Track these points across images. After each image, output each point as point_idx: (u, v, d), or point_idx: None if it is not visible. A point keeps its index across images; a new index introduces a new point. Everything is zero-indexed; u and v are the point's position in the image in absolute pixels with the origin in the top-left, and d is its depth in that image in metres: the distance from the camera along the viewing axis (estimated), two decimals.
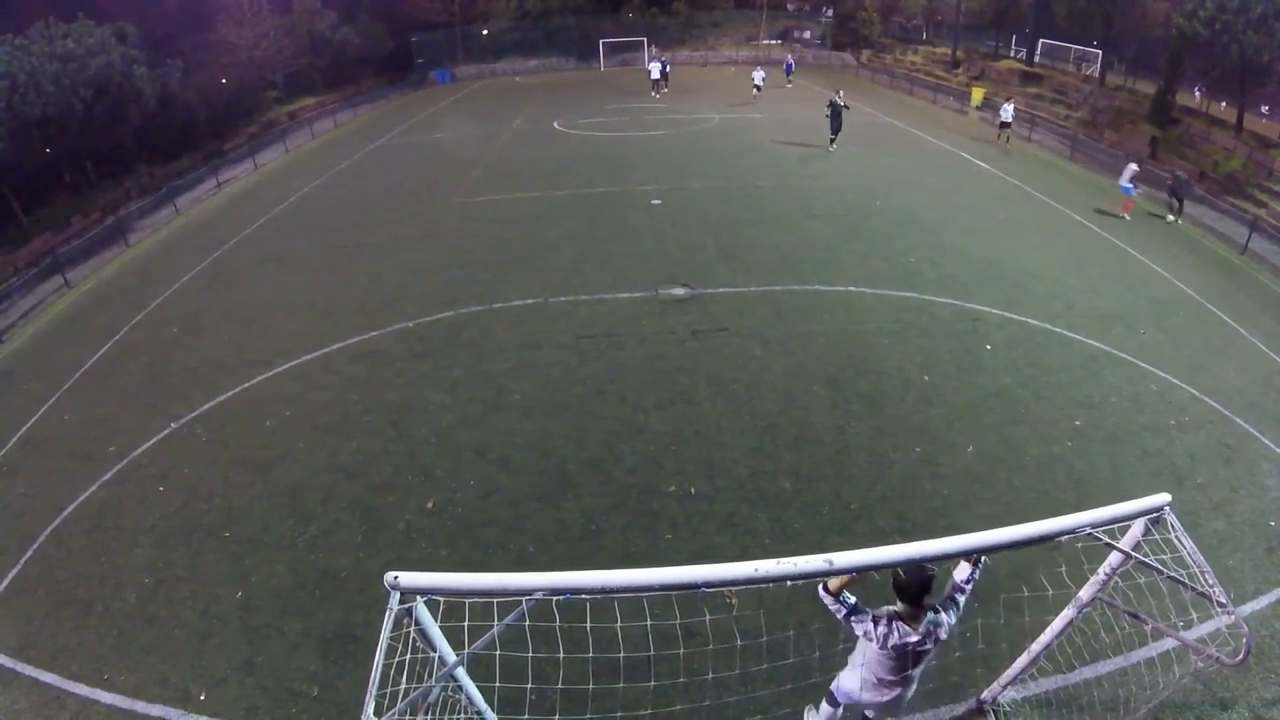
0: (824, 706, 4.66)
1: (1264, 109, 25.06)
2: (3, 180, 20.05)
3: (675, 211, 15.74)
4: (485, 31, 45.42)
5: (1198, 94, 27.72)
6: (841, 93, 20.88)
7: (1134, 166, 16.51)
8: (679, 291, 11.81)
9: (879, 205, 16.08)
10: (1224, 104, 25.07)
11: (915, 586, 3.62)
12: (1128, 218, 15.95)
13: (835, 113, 20.39)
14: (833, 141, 20.80)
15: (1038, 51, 34.69)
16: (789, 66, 34.91)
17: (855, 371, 9.51)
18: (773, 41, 46.29)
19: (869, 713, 4.35)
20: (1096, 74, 30.67)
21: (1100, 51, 30.70)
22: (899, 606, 3.75)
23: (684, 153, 21.21)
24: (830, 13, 47.21)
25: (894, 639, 3.71)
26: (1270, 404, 9.08)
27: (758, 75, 30.00)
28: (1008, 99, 25.09)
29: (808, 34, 47.46)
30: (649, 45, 43.52)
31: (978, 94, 30.12)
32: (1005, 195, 17.33)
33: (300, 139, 28.43)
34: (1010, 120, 23.20)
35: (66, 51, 21.08)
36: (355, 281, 13.01)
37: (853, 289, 11.80)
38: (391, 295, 12.24)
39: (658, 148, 22.08)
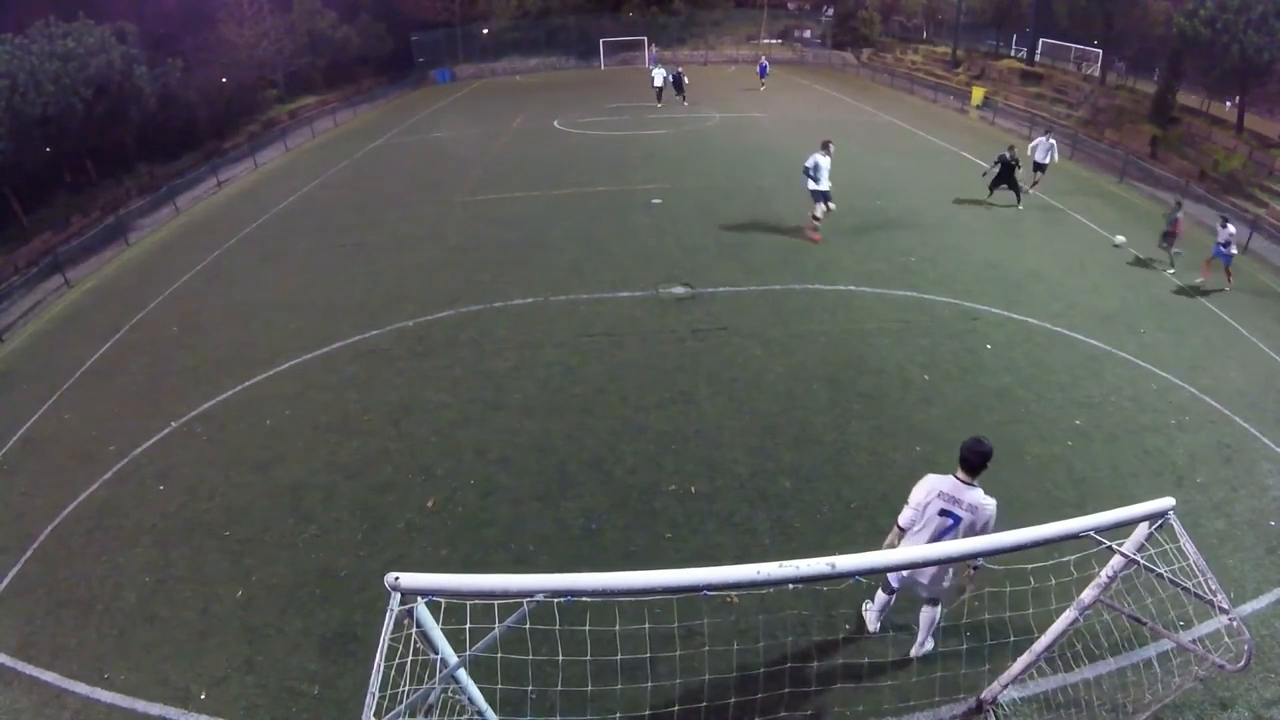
0: (879, 595, 5.42)
1: None
2: (3, 179, 20.03)
3: (676, 211, 15.74)
4: (485, 31, 45.42)
5: (1118, 72, 27.39)
6: (1014, 149, 16.24)
7: (1232, 230, 12.44)
8: (679, 291, 11.81)
9: (879, 204, 16.08)
10: (1228, 105, 24.90)
11: (975, 456, 4.49)
12: (1226, 288, 12.52)
13: (1006, 167, 15.92)
14: (1019, 199, 16.25)
15: (1038, 51, 34.66)
16: (763, 68, 33.56)
17: (855, 371, 9.50)
18: (773, 41, 46.28)
19: (918, 589, 5.00)
20: (1097, 73, 30.66)
21: (1100, 51, 30.69)
22: (957, 475, 4.59)
23: (684, 152, 21.21)
24: (831, 12, 47.19)
25: (941, 501, 4.56)
26: (1270, 404, 9.08)
27: (817, 175, 13.64)
28: (1046, 131, 18.84)
29: (808, 33, 47.47)
30: (649, 44, 43.50)
31: (978, 93, 30.12)
32: (1005, 194, 17.30)
33: (300, 138, 28.43)
34: (1047, 161, 17.18)
35: (67, 51, 21.07)
36: (355, 280, 13.01)
37: (853, 288, 11.80)
38: (392, 294, 12.24)
39: (658, 147, 22.07)
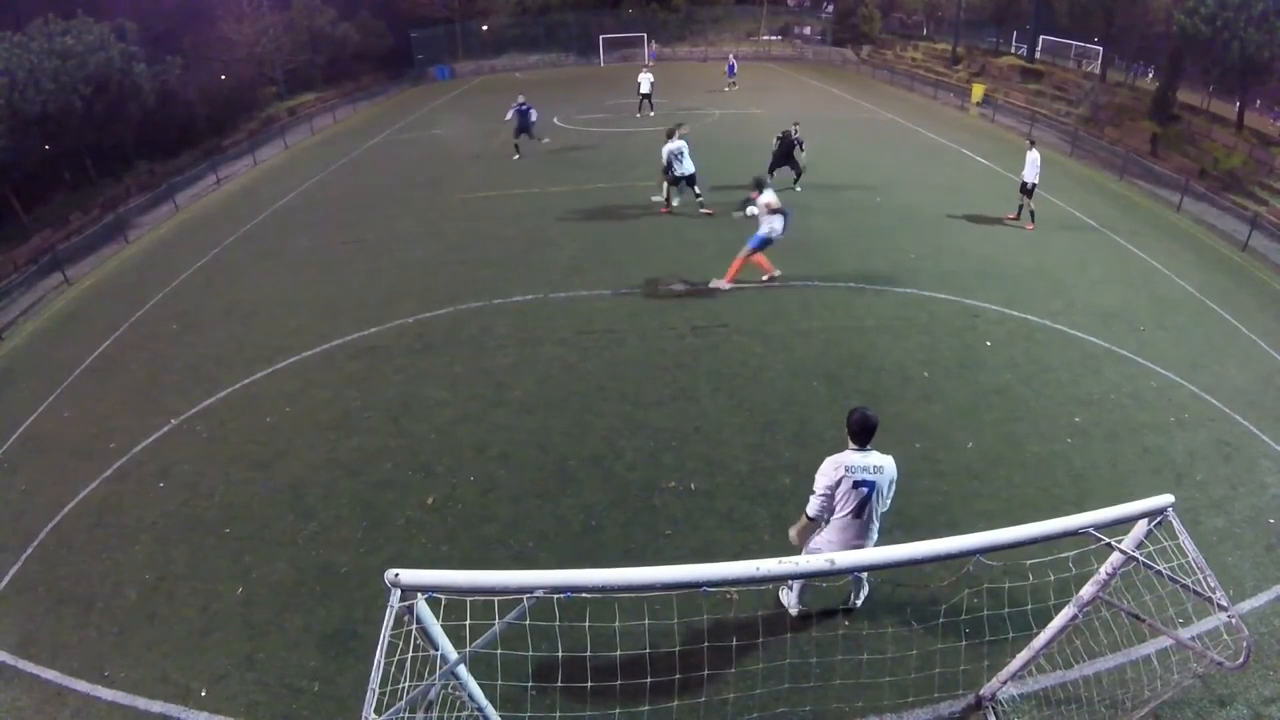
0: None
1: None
2: (3, 177, 20.03)
3: (675, 207, 15.71)
4: (485, 27, 45.39)
5: (1133, 72, 27.33)
6: (798, 126, 16.00)
7: (768, 203, 10.92)
8: (679, 287, 11.80)
9: (879, 202, 16.07)
10: (1239, 104, 24.79)
11: (865, 429, 4.67)
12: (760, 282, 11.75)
13: (786, 146, 15.72)
14: (798, 179, 15.92)
15: (1038, 48, 34.64)
16: (731, 67, 32.21)
17: (855, 368, 9.51)
18: (773, 37, 46.24)
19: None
20: (1097, 71, 30.63)
21: (1101, 48, 30.67)
22: (850, 449, 4.74)
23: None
24: (830, 8, 47.15)
25: (852, 475, 4.67)
26: (1270, 402, 9.08)
27: None
28: (1030, 141, 14.85)
29: (808, 30, 47.43)
30: (649, 41, 43.44)
31: (978, 90, 30.09)
32: (1006, 192, 17.27)
33: (300, 135, 28.41)
34: (1035, 181, 14.23)
35: (66, 48, 21.05)
36: (355, 278, 13.00)
37: (853, 285, 11.80)
38: (391, 291, 12.24)
39: (657, 144, 21.93)
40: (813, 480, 4.74)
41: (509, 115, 19.93)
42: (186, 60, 28.01)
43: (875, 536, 4.96)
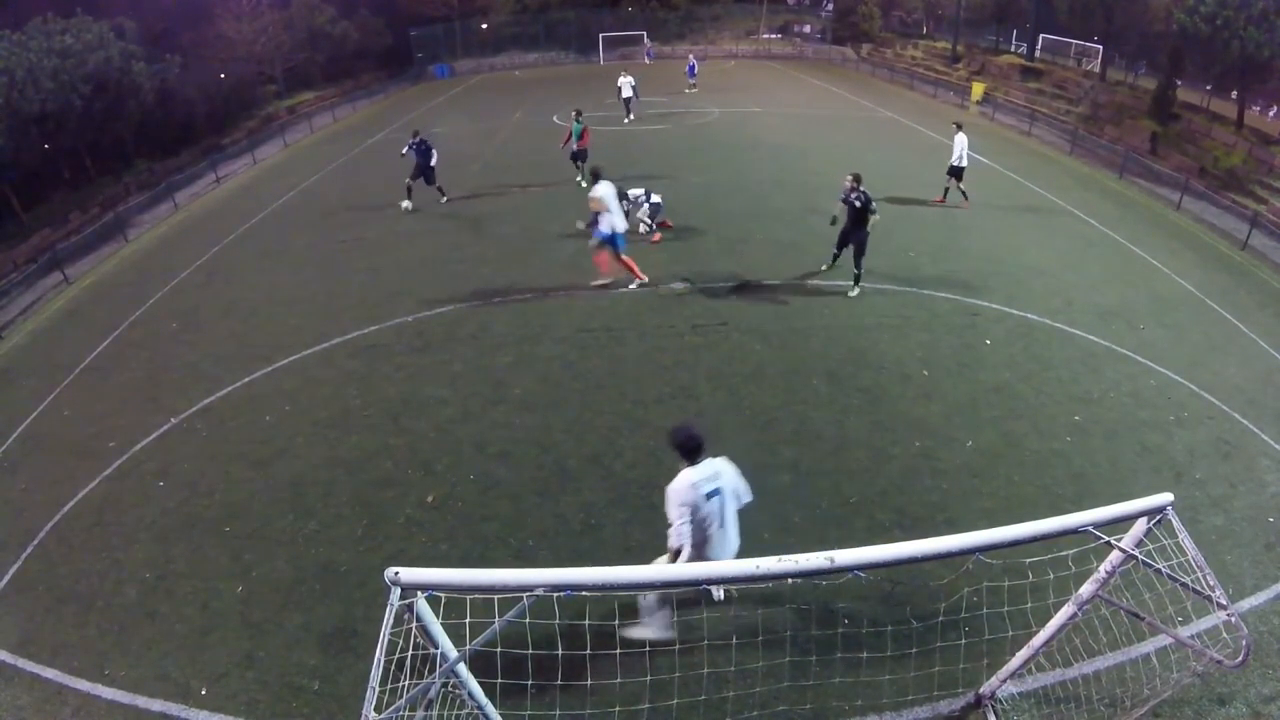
0: (647, 599, 5.17)
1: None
2: (2, 176, 20.02)
3: (675, 206, 15.67)
4: (484, 25, 45.39)
5: (1134, 71, 27.33)
6: (853, 180, 10.94)
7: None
8: (679, 286, 11.80)
9: (879, 200, 16.02)
10: (1239, 102, 24.79)
11: (695, 444, 4.71)
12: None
13: (859, 211, 10.79)
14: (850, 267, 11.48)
15: (1038, 46, 34.62)
16: (691, 68, 31.00)
17: (855, 366, 9.50)
18: (773, 36, 46.24)
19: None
20: (1097, 69, 30.61)
21: (1101, 47, 30.64)
22: (685, 468, 4.72)
23: (684, 147, 21.18)
24: (830, 7, 47.13)
25: (701, 488, 4.65)
26: (1270, 400, 9.08)
27: None
28: (957, 125, 15.18)
29: (808, 28, 47.43)
30: (647, 40, 43.41)
31: (978, 89, 30.09)
32: (1005, 190, 17.31)
33: (299, 134, 28.39)
34: (963, 164, 14.94)
35: (65, 47, 21.05)
36: (354, 276, 13.00)
37: (852, 283, 11.77)
38: (391, 290, 12.23)
39: (657, 142, 22.04)
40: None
41: (404, 150, 16.11)
42: (185, 59, 28.03)
43: (738, 539, 4.94)
